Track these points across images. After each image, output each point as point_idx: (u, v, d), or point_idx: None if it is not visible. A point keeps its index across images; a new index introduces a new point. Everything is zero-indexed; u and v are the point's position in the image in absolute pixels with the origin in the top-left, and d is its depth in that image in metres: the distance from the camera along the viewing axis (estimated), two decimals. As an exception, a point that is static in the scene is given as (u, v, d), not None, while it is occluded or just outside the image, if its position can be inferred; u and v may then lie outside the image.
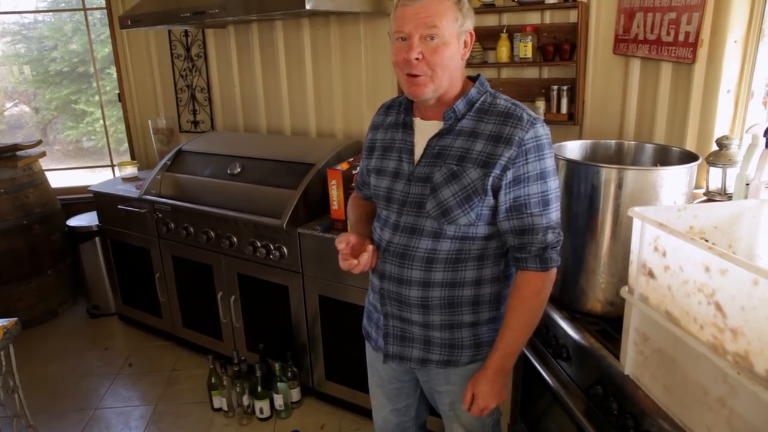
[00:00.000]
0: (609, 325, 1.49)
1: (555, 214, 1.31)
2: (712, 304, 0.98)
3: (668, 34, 1.91)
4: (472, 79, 1.37)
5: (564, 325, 1.55)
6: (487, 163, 1.27)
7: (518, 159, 1.26)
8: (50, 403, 2.82)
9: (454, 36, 1.26)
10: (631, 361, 1.25)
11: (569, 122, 2.29)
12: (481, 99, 1.34)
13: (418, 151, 1.37)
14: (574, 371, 1.51)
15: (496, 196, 1.29)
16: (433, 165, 1.33)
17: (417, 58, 1.24)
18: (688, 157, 1.51)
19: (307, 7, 2.23)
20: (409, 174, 1.37)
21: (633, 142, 1.71)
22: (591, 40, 2.22)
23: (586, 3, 2.19)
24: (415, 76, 1.27)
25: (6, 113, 5.02)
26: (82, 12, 4.00)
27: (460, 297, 1.39)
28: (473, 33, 1.31)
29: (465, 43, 1.30)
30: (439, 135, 1.34)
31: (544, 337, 1.64)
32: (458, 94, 1.34)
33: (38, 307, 3.57)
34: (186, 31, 3.53)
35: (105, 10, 3.78)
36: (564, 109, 2.28)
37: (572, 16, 2.23)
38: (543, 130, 1.28)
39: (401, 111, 1.43)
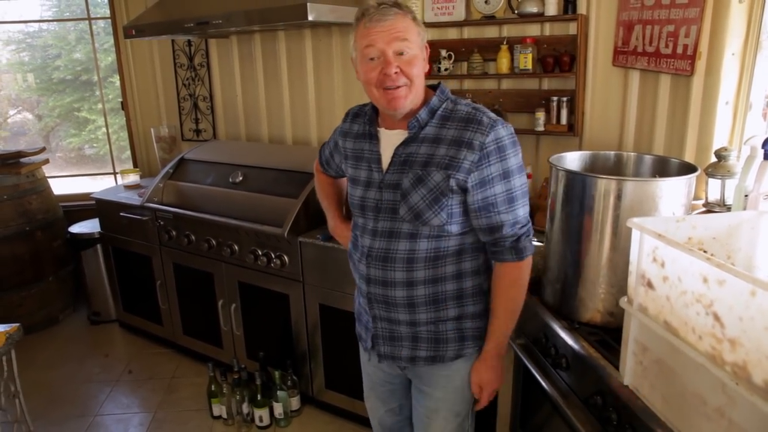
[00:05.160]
0: (608, 336, 1.49)
1: (522, 209, 1.38)
2: (711, 314, 0.99)
3: (667, 46, 1.93)
4: (433, 88, 1.43)
5: (563, 335, 1.55)
6: (449, 166, 1.33)
7: (481, 162, 1.32)
8: (50, 409, 2.82)
9: (420, 48, 1.35)
10: (630, 372, 1.26)
11: (569, 133, 2.31)
12: (443, 106, 1.40)
13: (386, 159, 1.43)
14: (574, 381, 1.51)
15: (465, 194, 1.36)
16: (401, 172, 1.39)
17: (396, 72, 1.31)
18: (687, 169, 1.53)
19: (310, 18, 2.26)
20: (379, 182, 1.43)
21: (632, 154, 1.72)
22: (590, 52, 2.24)
23: (586, 15, 2.21)
24: (396, 88, 1.32)
25: (9, 120, 5.05)
26: (87, 21, 4.03)
27: (444, 292, 1.44)
28: (428, 47, 1.40)
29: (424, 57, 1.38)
30: (405, 143, 1.40)
31: (543, 346, 1.65)
32: (421, 103, 1.39)
33: (39, 313, 3.58)
34: (189, 41, 3.56)
35: (109, 20, 3.81)
36: (564, 120, 2.30)
37: (572, 28, 2.25)
38: (504, 131, 1.34)
39: (366, 122, 1.50)
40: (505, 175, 1.34)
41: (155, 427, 2.68)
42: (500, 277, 1.43)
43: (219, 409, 2.68)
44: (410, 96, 1.34)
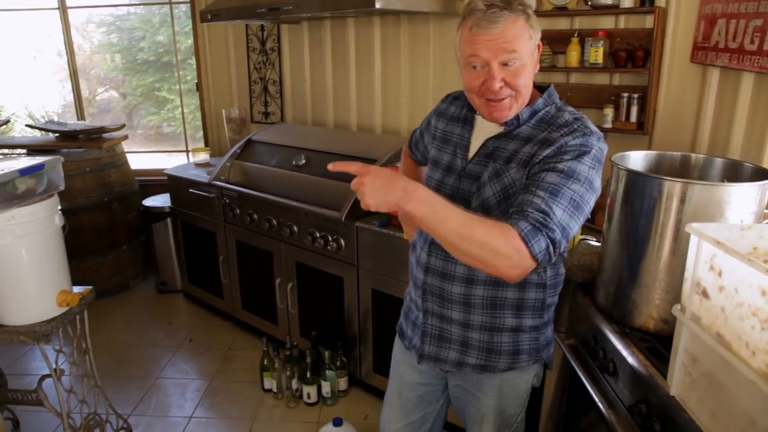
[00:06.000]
0: (660, 344, 1.43)
1: (561, 211, 1.15)
2: (767, 330, 0.93)
3: (752, 42, 1.81)
4: (542, 89, 1.36)
5: (613, 339, 1.51)
6: (526, 163, 1.26)
7: (554, 157, 1.21)
8: (117, 367, 3.03)
9: (530, 54, 1.24)
10: (678, 382, 1.21)
11: (638, 132, 2.21)
12: (546, 109, 1.32)
13: (473, 149, 1.38)
14: (620, 387, 1.47)
15: None
16: (483, 164, 1.34)
17: (501, 86, 1.23)
18: (761, 174, 1.43)
19: (377, 6, 2.27)
20: (460, 170, 1.38)
21: (702, 156, 1.63)
22: (667, 46, 2.13)
23: (664, 8, 2.10)
24: (499, 100, 1.25)
25: (98, 97, 5.40)
26: (168, 5, 4.23)
27: (504, 298, 1.38)
28: (540, 44, 1.29)
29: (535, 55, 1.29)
30: (497, 137, 1.34)
31: (592, 349, 1.61)
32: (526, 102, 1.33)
33: (112, 279, 3.84)
34: (262, 26, 3.66)
35: (189, 4, 3.98)
36: (633, 118, 2.20)
37: (648, 21, 2.15)
38: (596, 143, 1.23)
39: (465, 105, 1.43)
40: (567, 173, 1.17)
41: (210, 394, 2.82)
42: (502, 226, 1.11)
43: (270, 383, 2.79)
44: (515, 106, 1.27)
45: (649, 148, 2.23)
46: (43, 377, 2.11)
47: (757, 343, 0.96)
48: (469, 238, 1.09)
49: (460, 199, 1.36)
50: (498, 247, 1.09)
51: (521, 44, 1.21)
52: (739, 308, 1.01)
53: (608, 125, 2.26)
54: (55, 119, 4.77)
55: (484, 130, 1.37)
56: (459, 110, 1.46)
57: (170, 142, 5.22)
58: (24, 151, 3.65)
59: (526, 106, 1.31)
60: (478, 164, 1.35)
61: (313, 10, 2.62)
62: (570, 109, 1.33)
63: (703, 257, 1.11)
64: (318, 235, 2.72)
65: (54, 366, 2.02)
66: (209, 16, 3.02)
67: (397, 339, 1.67)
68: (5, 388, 2.41)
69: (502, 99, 1.25)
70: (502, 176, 1.29)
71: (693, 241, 1.14)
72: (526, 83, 1.25)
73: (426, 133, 1.60)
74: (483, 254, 1.10)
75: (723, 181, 1.47)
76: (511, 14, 1.19)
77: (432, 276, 1.43)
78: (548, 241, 1.12)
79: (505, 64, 1.22)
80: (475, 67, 1.24)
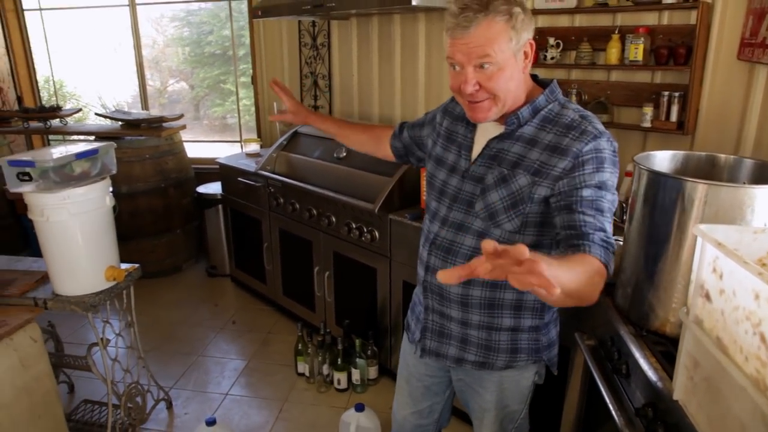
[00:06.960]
0: (676, 348, 1.39)
1: (609, 226, 1.20)
2: (758, 334, 0.91)
3: (801, 40, 1.71)
4: (544, 84, 1.34)
5: (628, 341, 1.48)
6: (538, 172, 1.25)
7: (574, 170, 1.21)
8: (163, 343, 3.22)
9: (510, 57, 1.20)
10: (681, 386, 1.18)
11: (678, 131, 2.13)
12: (548, 107, 1.30)
13: (477, 149, 1.37)
14: (632, 389, 1.44)
15: (547, 203, 1.26)
16: (488, 166, 1.33)
17: (476, 89, 1.23)
18: (792, 178, 1.37)
19: (413, 3, 2.30)
20: (464, 171, 1.38)
21: (732, 156, 1.57)
22: (712, 43, 2.04)
23: (710, 3, 2.01)
24: (477, 102, 1.26)
25: (169, 89, 5.69)
26: (228, 1, 4.41)
27: (502, 299, 1.38)
28: (533, 42, 1.25)
29: (525, 54, 1.25)
30: (500, 138, 1.33)
31: (608, 350, 1.59)
32: (525, 101, 1.31)
33: (166, 261, 4.06)
34: (313, 22, 3.76)
35: (246, 1, 4.14)
36: (674, 117, 2.13)
37: (693, 17, 2.06)
38: (607, 144, 1.23)
39: None
40: (598, 186, 1.20)
41: (247, 374, 2.96)
42: (588, 262, 1.10)
43: (303, 367, 2.88)
44: (495, 108, 1.26)
45: (690, 149, 2.14)
46: (92, 345, 2.28)
47: (749, 348, 0.93)
48: (587, 280, 1.06)
49: (464, 200, 1.37)
50: (598, 282, 1.10)
51: (495, 48, 1.17)
52: (735, 312, 0.98)
53: (647, 124, 2.19)
54: (125, 109, 5.09)
55: (486, 131, 1.36)
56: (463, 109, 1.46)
57: (234, 132, 5.44)
58: (93, 137, 3.92)
59: (526, 103, 1.30)
60: (481, 166, 1.34)
61: (353, 7, 2.68)
62: (574, 106, 1.30)
63: (707, 259, 1.09)
64: (354, 226, 2.78)
65: (101, 336, 2.19)
66: (260, 13, 3.14)
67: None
68: (61, 353, 2.63)
69: (480, 101, 1.25)
70: (509, 182, 1.28)
71: (698, 242, 1.12)
72: (504, 87, 1.23)
73: (428, 126, 1.59)
74: (592, 292, 1.08)
75: (744, 183, 1.42)
76: (487, 17, 1.15)
77: (431, 275, 1.44)
78: (612, 255, 1.17)
79: (480, 66, 1.20)
80: (454, 68, 1.25)
